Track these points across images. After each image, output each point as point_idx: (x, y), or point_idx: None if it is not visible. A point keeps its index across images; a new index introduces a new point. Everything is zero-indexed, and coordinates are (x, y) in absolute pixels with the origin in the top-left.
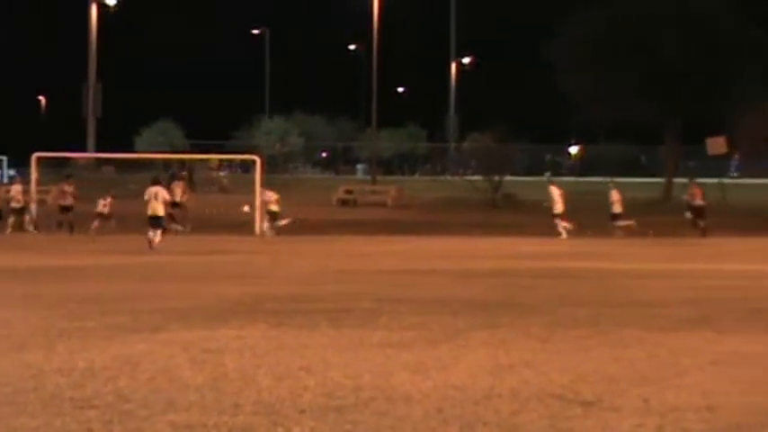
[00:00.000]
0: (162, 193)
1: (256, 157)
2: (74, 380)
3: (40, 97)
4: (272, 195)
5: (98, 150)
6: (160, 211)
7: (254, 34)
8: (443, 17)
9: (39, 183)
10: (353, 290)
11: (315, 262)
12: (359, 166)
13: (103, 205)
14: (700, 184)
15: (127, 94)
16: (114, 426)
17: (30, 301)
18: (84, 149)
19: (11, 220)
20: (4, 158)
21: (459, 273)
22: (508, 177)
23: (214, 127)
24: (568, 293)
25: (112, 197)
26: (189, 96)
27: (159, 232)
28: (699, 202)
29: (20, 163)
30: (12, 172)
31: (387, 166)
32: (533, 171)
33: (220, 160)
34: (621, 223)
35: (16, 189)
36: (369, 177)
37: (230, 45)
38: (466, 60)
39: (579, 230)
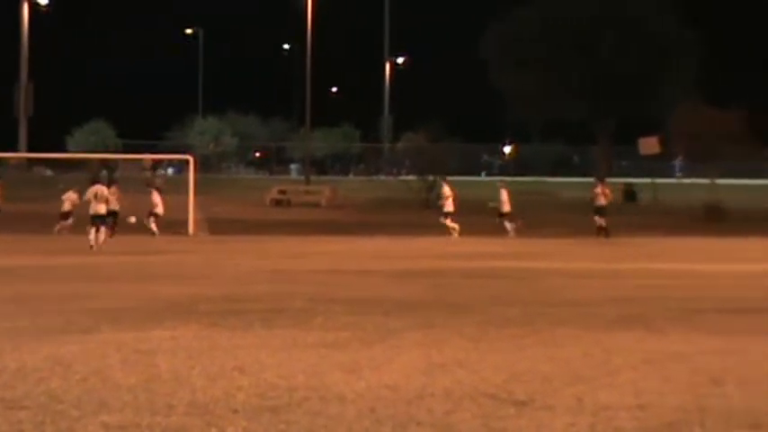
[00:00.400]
0: (102, 191)
1: (189, 157)
2: (4, 381)
3: None
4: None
5: (30, 150)
6: (102, 209)
7: (187, 34)
8: (377, 16)
9: None
10: (287, 290)
11: (248, 262)
12: (292, 167)
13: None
14: (608, 185)
15: (59, 94)
16: (46, 426)
17: None
18: (15, 149)
19: None
20: None
21: (392, 273)
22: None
23: (147, 127)
24: (501, 293)
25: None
26: (121, 96)
27: (104, 230)
28: (602, 202)
29: None
30: None
31: (320, 167)
32: (467, 171)
33: (154, 160)
34: (508, 224)
35: None
36: (302, 177)
37: (163, 44)
38: (400, 60)
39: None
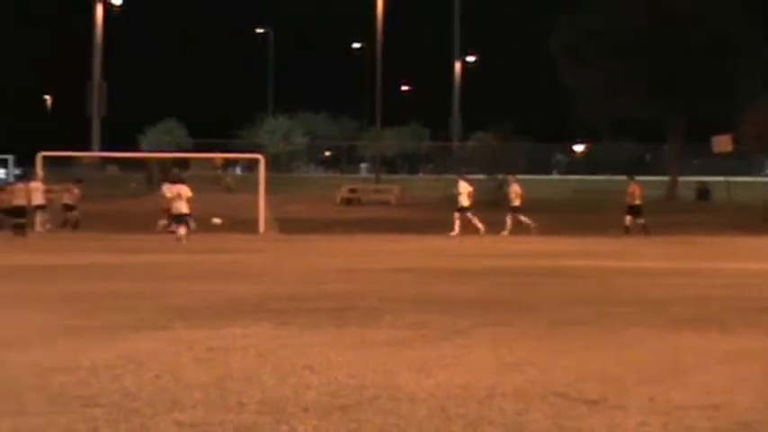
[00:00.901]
0: (185, 190)
1: (260, 157)
2: (79, 378)
3: (46, 96)
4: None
5: (103, 149)
6: (184, 208)
7: (257, 33)
8: (448, 15)
9: (44, 182)
10: (357, 288)
11: (319, 260)
12: (362, 165)
13: (69, 197)
14: (639, 183)
15: (132, 93)
16: (120, 424)
17: (33, 299)
18: (89, 148)
19: (39, 217)
20: (10, 158)
21: (461, 271)
22: (519, 176)
23: (218, 126)
24: (570, 292)
25: (79, 188)
26: (193, 95)
27: (183, 227)
28: (637, 201)
29: (25, 162)
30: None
31: (390, 165)
32: (537, 169)
33: (225, 159)
34: (523, 218)
35: (36, 187)
36: (372, 176)
37: (235, 44)
38: (470, 59)
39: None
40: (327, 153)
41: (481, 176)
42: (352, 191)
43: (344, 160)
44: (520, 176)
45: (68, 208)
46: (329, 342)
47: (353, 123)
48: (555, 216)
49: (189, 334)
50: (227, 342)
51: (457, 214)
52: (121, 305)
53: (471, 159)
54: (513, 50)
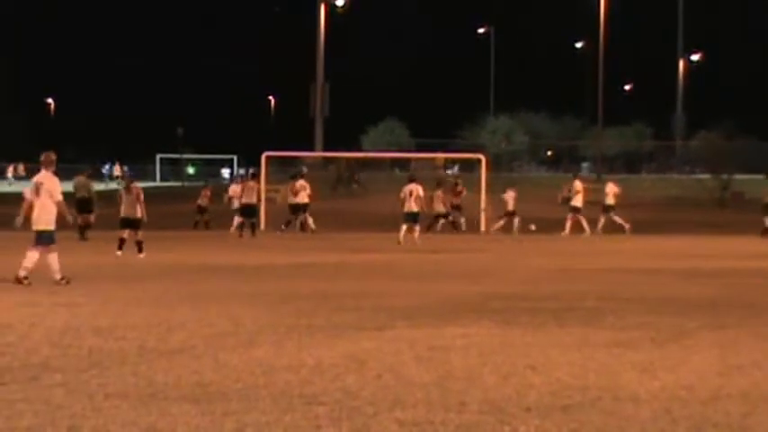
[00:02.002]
0: (417, 190)
1: (481, 156)
2: (302, 377)
3: (270, 98)
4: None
5: (326, 149)
6: (415, 207)
7: (479, 32)
8: (671, 13)
9: (267, 181)
10: (578, 289)
11: (540, 260)
12: (584, 165)
13: (204, 196)
14: None
15: (354, 94)
16: (342, 422)
17: (257, 298)
18: (311, 149)
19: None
20: (235, 157)
21: (685, 272)
22: (737, 176)
23: (439, 126)
24: None
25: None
26: (415, 95)
27: (417, 228)
28: None
29: (250, 162)
30: (242, 171)
31: (612, 165)
32: (763, 169)
33: (446, 159)
34: (616, 218)
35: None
36: (594, 176)
37: (456, 43)
38: (694, 57)
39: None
40: (549, 152)
41: (705, 175)
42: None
43: (566, 160)
44: (745, 176)
45: (200, 209)
46: (551, 342)
47: (575, 122)
48: None
49: (410, 333)
50: (449, 341)
51: (570, 215)
52: (344, 304)
53: (695, 158)
54: (738, 48)
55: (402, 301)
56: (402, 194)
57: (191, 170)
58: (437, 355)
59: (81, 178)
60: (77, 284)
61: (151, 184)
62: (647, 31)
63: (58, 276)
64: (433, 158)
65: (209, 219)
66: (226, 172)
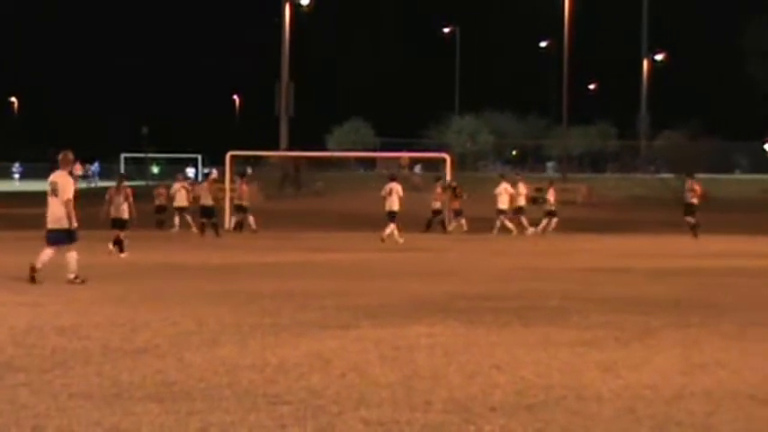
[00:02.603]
0: (397, 189)
1: (446, 156)
2: (267, 376)
3: (235, 97)
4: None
5: (290, 149)
6: (395, 206)
7: (445, 32)
8: (635, 13)
9: (232, 181)
10: (542, 288)
11: (505, 259)
12: (549, 164)
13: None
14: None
15: (319, 94)
16: (307, 421)
17: (221, 297)
18: (276, 148)
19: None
20: (199, 157)
21: (649, 271)
22: (700, 175)
23: (404, 125)
24: (764, 293)
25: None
26: (380, 95)
27: (393, 226)
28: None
29: (214, 162)
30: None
31: (576, 164)
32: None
33: (411, 159)
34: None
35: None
36: (559, 175)
37: (421, 43)
38: (658, 57)
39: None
40: (514, 152)
41: (669, 175)
42: (538, 190)
43: (531, 159)
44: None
45: (159, 209)
46: (516, 341)
47: (540, 122)
48: (745, 216)
49: (375, 332)
50: (413, 340)
51: (501, 216)
52: (308, 303)
53: (659, 158)
54: (702, 48)
55: (367, 300)
56: (383, 193)
57: (155, 169)
58: (402, 354)
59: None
60: (41, 283)
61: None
62: (611, 31)
63: (71, 276)
64: (398, 158)
65: (165, 219)
66: (191, 171)
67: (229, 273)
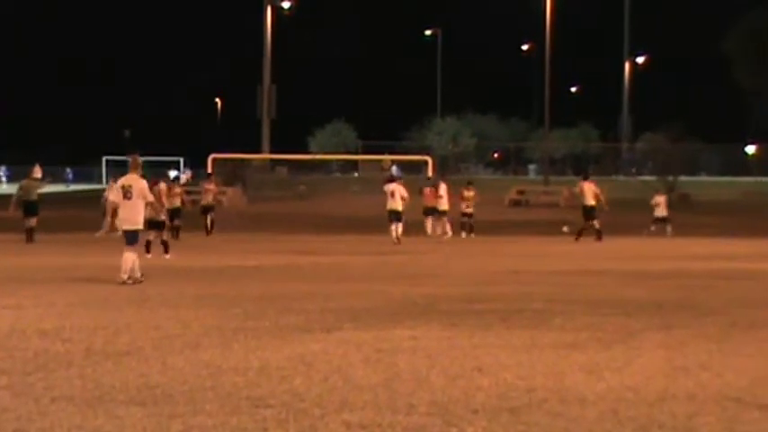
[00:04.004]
0: (400, 189)
1: (428, 158)
2: (249, 379)
3: (217, 100)
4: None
5: (273, 152)
6: (399, 206)
7: (426, 35)
8: (618, 15)
9: (216, 183)
10: (525, 290)
11: (488, 262)
12: (531, 167)
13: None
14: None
15: (302, 96)
16: (290, 424)
17: (204, 300)
18: (259, 151)
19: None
20: (182, 159)
21: (631, 273)
22: (683, 178)
23: (387, 128)
24: (745, 295)
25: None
26: (362, 97)
27: (400, 225)
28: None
29: (196, 164)
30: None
31: (559, 167)
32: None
33: (392, 161)
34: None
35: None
36: (541, 178)
37: (403, 45)
38: (640, 60)
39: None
40: (495, 154)
41: (651, 177)
42: (520, 192)
43: (513, 162)
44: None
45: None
46: (498, 344)
47: (522, 124)
48: (728, 218)
49: (358, 335)
50: (396, 343)
51: (444, 218)
52: (291, 306)
53: (641, 160)
54: (684, 50)
55: (350, 303)
56: (388, 191)
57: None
58: (384, 357)
59: (28, 181)
60: (24, 286)
61: (98, 186)
62: (593, 34)
63: (124, 276)
64: (379, 160)
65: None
66: (173, 174)
67: (212, 276)
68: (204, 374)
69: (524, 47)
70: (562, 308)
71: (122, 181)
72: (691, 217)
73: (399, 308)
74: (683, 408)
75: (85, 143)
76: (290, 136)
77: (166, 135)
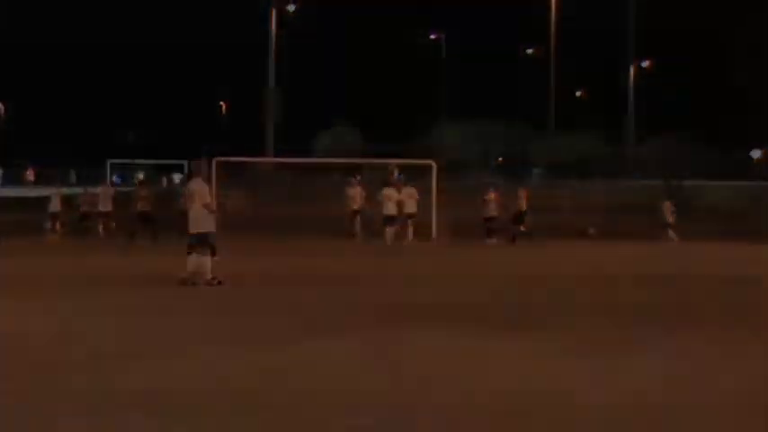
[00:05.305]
0: (413, 192)
1: (432, 162)
2: (252, 381)
3: (221, 103)
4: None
5: (277, 155)
6: (393, 210)
7: (431, 39)
8: (622, 18)
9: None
10: (526, 295)
11: (487, 267)
12: (535, 171)
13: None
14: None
15: (308, 99)
16: (291, 428)
17: (207, 304)
18: (263, 154)
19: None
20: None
21: (633, 278)
22: (688, 182)
23: (392, 132)
24: (747, 300)
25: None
26: (367, 101)
27: (389, 230)
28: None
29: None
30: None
31: (563, 171)
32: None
33: (398, 165)
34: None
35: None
36: (545, 182)
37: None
38: (645, 64)
39: None
40: (500, 159)
41: (656, 181)
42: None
43: (517, 166)
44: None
45: (84, 216)
46: (500, 348)
47: (527, 128)
48: (732, 223)
49: (359, 339)
50: (398, 347)
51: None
52: (294, 309)
53: (646, 164)
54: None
55: (352, 307)
56: (379, 198)
57: (140, 175)
58: (386, 360)
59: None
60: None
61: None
62: (598, 37)
63: (209, 277)
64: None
65: (91, 225)
66: (177, 177)
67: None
68: (206, 378)
69: (529, 50)
70: (563, 313)
71: (189, 186)
72: (694, 221)
73: (401, 311)
74: (686, 413)
75: (88, 145)
76: (297, 139)
77: (170, 138)
